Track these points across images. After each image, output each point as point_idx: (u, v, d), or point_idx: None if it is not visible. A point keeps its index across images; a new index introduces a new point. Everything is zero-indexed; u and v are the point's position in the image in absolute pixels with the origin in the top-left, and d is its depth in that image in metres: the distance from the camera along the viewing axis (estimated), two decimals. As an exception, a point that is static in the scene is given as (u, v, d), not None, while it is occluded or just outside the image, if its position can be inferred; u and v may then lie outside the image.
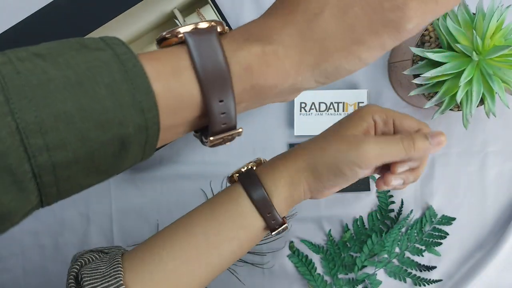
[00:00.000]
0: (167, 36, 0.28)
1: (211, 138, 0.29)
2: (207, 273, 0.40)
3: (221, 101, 0.27)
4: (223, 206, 0.41)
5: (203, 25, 0.28)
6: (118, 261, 0.38)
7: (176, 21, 0.56)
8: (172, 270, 0.39)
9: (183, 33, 0.28)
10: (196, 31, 0.28)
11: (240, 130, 0.30)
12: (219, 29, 0.28)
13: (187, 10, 0.59)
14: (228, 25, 0.58)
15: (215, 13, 0.57)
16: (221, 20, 0.30)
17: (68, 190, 0.25)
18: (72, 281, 0.37)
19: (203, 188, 0.62)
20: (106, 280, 0.36)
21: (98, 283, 0.36)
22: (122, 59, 0.25)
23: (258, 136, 0.62)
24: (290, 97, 0.32)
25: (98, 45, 0.25)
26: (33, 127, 0.22)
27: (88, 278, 0.37)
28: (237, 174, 0.42)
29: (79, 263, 0.39)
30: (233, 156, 0.62)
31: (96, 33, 0.52)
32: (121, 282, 0.36)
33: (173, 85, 0.26)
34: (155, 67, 0.26)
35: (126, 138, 0.25)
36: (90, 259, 0.40)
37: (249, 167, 0.43)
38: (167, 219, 0.63)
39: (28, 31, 0.54)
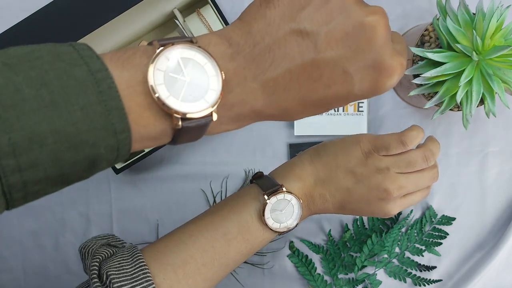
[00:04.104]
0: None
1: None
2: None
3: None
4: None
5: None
6: (141, 260, 0.39)
7: (176, 21, 0.56)
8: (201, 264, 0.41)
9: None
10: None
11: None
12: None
13: (187, 10, 0.59)
14: (228, 25, 0.58)
15: (215, 13, 0.57)
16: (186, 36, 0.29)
17: (34, 199, 0.25)
18: (96, 280, 0.37)
19: (203, 189, 0.62)
20: (137, 282, 0.37)
21: (129, 285, 0.37)
22: (98, 78, 0.24)
23: (258, 136, 0.62)
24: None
25: (72, 58, 0.25)
26: (6, 149, 0.22)
27: (118, 280, 0.37)
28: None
29: (97, 259, 0.39)
30: (233, 156, 0.62)
31: (96, 33, 0.52)
32: (152, 284, 0.37)
33: (144, 102, 0.26)
34: (126, 82, 0.26)
35: (97, 157, 0.25)
36: (106, 254, 0.41)
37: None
38: (167, 220, 0.63)
39: (28, 31, 0.54)
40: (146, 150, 0.57)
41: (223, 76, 0.28)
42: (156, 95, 0.26)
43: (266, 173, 0.47)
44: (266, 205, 0.42)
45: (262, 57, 0.29)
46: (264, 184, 0.44)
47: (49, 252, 0.63)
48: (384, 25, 0.30)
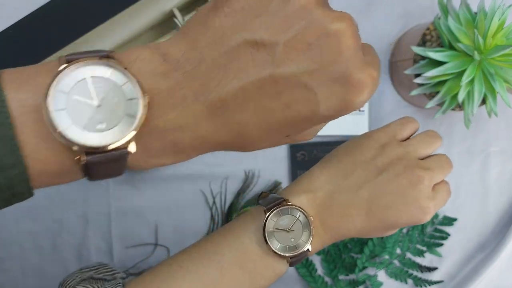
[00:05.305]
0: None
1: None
2: None
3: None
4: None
5: None
6: None
7: (175, 20, 0.56)
8: None
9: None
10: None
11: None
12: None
13: (186, 9, 0.58)
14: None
15: (215, 13, 0.56)
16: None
17: None
18: None
19: (203, 189, 0.62)
20: None
21: None
22: None
23: (258, 136, 0.62)
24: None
25: None
26: None
27: None
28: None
29: None
30: (232, 157, 0.62)
31: (95, 32, 0.52)
32: None
33: (41, 131, 0.22)
34: (21, 106, 0.22)
35: None
36: None
37: None
38: (167, 221, 0.62)
39: (27, 29, 0.53)
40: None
41: (147, 100, 0.23)
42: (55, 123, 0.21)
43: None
44: (267, 222, 0.36)
45: (208, 75, 0.24)
46: (267, 201, 0.38)
47: (47, 253, 0.62)
48: (352, 34, 0.25)
